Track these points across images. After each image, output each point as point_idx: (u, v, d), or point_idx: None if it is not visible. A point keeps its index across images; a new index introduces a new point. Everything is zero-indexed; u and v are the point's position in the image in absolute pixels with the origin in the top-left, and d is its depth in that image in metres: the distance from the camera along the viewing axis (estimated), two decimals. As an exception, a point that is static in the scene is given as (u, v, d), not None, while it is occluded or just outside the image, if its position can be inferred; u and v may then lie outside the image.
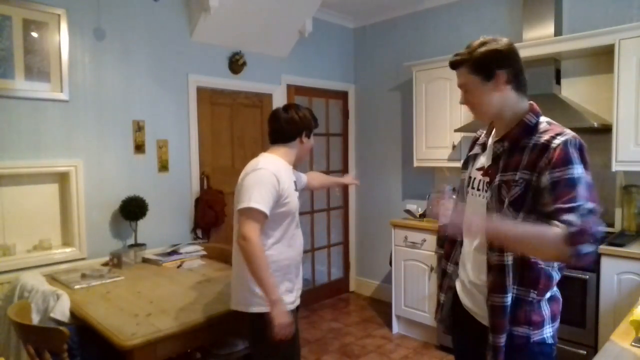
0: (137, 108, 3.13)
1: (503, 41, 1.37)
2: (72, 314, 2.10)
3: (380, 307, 4.31)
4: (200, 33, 3.38)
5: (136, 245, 3.01)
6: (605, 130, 2.80)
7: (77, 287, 2.36)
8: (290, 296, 1.92)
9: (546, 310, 1.35)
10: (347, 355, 3.39)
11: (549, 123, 1.36)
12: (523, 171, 1.31)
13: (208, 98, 3.58)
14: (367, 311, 4.29)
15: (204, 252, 3.04)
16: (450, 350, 3.34)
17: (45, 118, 2.72)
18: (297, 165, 2.11)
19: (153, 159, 3.22)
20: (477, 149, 1.56)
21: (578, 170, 1.23)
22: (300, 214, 2.05)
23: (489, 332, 1.36)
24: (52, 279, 2.51)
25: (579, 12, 3.12)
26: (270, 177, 1.81)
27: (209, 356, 2.30)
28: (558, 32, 3.05)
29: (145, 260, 2.93)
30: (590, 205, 1.18)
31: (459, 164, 3.49)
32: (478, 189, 1.47)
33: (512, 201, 1.32)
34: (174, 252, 2.95)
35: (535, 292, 1.33)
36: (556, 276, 1.35)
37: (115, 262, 2.81)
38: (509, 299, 1.33)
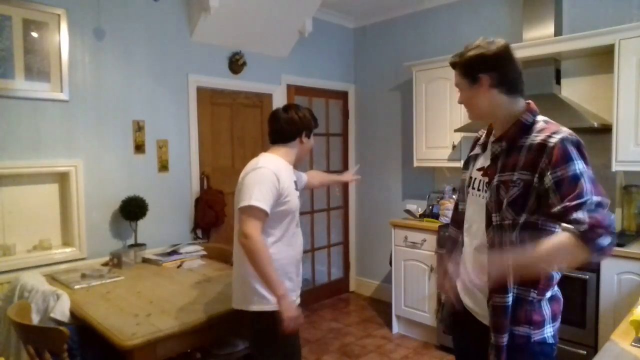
0: (137, 108, 3.13)
1: (495, 45, 1.37)
2: (72, 314, 2.10)
3: (380, 307, 4.31)
4: (200, 33, 3.38)
5: (136, 245, 3.01)
6: (605, 130, 2.80)
7: (77, 287, 2.36)
8: (291, 295, 1.92)
9: (547, 309, 1.35)
10: (347, 355, 3.39)
11: (545, 122, 1.37)
12: (521, 171, 1.31)
13: (208, 98, 3.58)
14: (367, 311, 4.29)
15: (204, 252, 3.04)
16: (450, 350, 3.34)
17: (45, 118, 2.72)
18: (297, 165, 2.11)
19: (153, 159, 3.22)
20: (477, 149, 1.56)
21: (579, 166, 1.23)
22: (300, 214, 2.05)
23: (491, 332, 1.36)
24: (52, 279, 2.51)
25: (579, 12, 3.12)
26: (270, 175, 1.82)
27: (209, 356, 2.30)
28: (558, 32, 3.05)
29: (145, 260, 2.93)
30: (596, 198, 1.18)
31: (459, 164, 3.50)
32: (478, 190, 1.47)
33: (510, 202, 1.32)
34: (174, 252, 2.95)
35: (536, 291, 1.33)
36: (556, 276, 1.35)
37: (115, 262, 2.81)
38: (510, 298, 1.33)
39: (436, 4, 3.95)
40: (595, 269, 2.57)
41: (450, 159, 3.58)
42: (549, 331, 1.35)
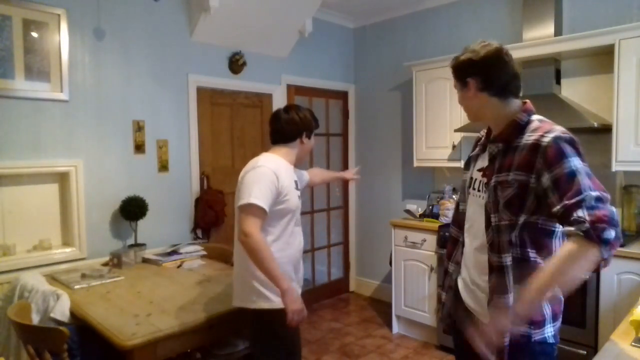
0: (137, 108, 3.13)
1: (485, 49, 1.39)
2: (72, 314, 2.10)
3: (380, 307, 4.31)
4: (200, 33, 3.38)
5: (136, 245, 3.01)
6: (605, 130, 2.80)
7: (77, 287, 2.36)
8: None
9: (547, 309, 1.35)
10: (347, 355, 3.39)
11: (540, 121, 1.37)
12: (516, 172, 1.32)
13: (208, 98, 3.58)
14: (367, 311, 4.29)
15: (204, 252, 3.04)
16: (450, 350, 3.34)
17: (45, 118, 2.72)
18: (298, 165, 2.12)
19: (153, 159, 3.22)
20: (478, 150, 1.56)
21: (574, 162, 1.23)
22: (301, 213, 2.05)
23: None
24: (52, 279, 2.51)
25: (579, 12, 3.12)
26: (269, 174, 1.83)
27: (209, 356, 2.30)
28: (558, 32, 3.05)
29: (145, 260, 2.93)
30: (595, 193, 1.17)
31: (459, 164, 3.50)
32: (478, 190, 1.47)
33: (506, 202, 1.33)
34: (174, 252, 2.95)
35: None
36: None
37: (115, 262, 2.81)
38: (510, 299, 1.33)
39: (436, 4, 3.95)
40: (595, 269, 2.57)
41: (450, 159, 3.58)
42: (549, 331, 1.35)
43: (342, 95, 4.68)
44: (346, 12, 4.39)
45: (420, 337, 3.63)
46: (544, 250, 1.33)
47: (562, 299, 1.42)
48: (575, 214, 1.16)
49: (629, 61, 2.64)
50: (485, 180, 1.43)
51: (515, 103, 1.42)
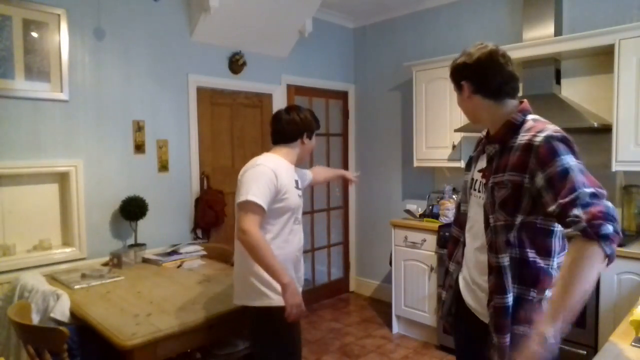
0: (137, 108, 3.13)
1: (479, 52, 1.41)
2: (72, 314, 2.10)
3: (380, 307, 4.31)
4: (200, 33, 3.38)
5: (136, 245, 3.01)
6: (605, 130, 2.80)
7: (77, 287, 2.36)
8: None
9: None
10: (347, 355, 3.39)
11: (534, 120, 1.37)
12: (510, 172, 1.32)
13: (208, 98, 3.58)
14: (367, 311, 4.29)
15: (204, 252, 3.04)
16: (450, 350, 3.34)
17: (45, 118, 2.72)
18: (299, 165, 2.12)
19: (153, 159, 3.22)
20: (479, 150, 1.56)
21: (567, 160, 1.22)
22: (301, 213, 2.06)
23: (492, 332, 1.36)
24: (52, 279, 2.51)
25: (579, 12, 3.12)
26: (268, 172, 1.85)
27: (209, 356, 2.30)
28: (558, 32, 3.05)
29: (145, 260, 2.93)
30: (589, 189, 1.16)
31: (459, 164, 3.50)
32: (479, 191, 1.48)
33: (500, 202, 1.33)
34: (174, 252, 2.95)
35: (535, 290, 1.33)
36: (555, 274, 1.35)
37: (115, 262, 2.81)
38: (510, 299, 1.33)
39: (436, 4, 3.95)
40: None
41: (450, 159, 3.58)
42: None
43: (342, 95, 4.68)
44: (346, 12, 4.39)
45: (420, 337, 3.63)
46: (543, 250, 1.33)
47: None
48: (570, 213, 1.15)
49: (629, 61, 2.64)
50: (484, 181, 1.43)
51: (512, 104, 1.42)
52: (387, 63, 4.40)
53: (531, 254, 1.32)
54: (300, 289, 2.01)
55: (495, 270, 1.36)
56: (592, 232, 1.11)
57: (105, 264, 2.84)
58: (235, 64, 3.64)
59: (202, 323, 1.94)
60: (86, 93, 2.89)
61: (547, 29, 3.04)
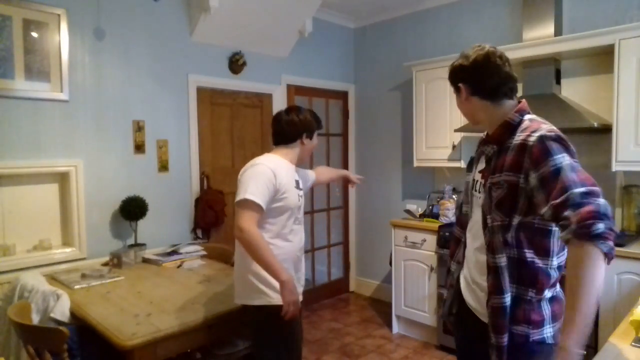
0: (137, 108, 3.13)
1: (475, 54, 1.42)
2: (72, 314, 2.10)
3: (380, 307, 4.31)
4: (200, 33, 3.38)
5: (136, 245, 3.01)
6: (605, 130, 2.80)
7: (77, 287, 2.36)
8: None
9: (547, 310, 1.35)
10: (347, 355, 3.39)
11: (530, 120, 1.37)
12: (506, 173, 1.32)
13: (208, 98, 3.58)
14: (367, 311, 4.29)
15: (204, 252, 3.04)
16: (450, 350, 3.34)
17: (45, 118, 2.72)
18: (300, 164, 2.13)
19: (153, 159, 3.22)
20: (479, 151, 1.56)
21: (559, 159, 1.21)
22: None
23: (491, 332, 1.36)
24: (52, 279, 2.51)
25: (579, 12, 3.12)
26: (266, 171, 1.86)
27: (209, 356, 2.30)
28: (558, 32, 3.06)
29: (145, 260, 2.93)
30: (580, 189, 1.15)
31: (459, 164, 3.50)
32: (479, 192, 1.48)
33: (496, 203, 1.34)
34: (174, 252, 2.95)
35: (534, 290, 1.33)
36: (554, 274, 1.35)
37: (115, 262, 2.81)
38: (507, 299, 1.33)
39: (436, 4, 3.95)
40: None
41: (450, 159, 3.58)
42: (548, 331, 1.35)
43: (342, 95, 4.68)
44: (346, 12, 4.39)
45: (420, 337, 3.63)
46: (542, 250, 1.32)
47: (564, 299, 1.41)
48: (562, 215, 1.15)
49: (629, 61, 2.64)
50: (483, 181, 1.44)
51: (510, 104, 1.43)
52: (387, 63, 4.40)
53: (529, 254, 1.32)
54: (301, 289, 2.01)
55: (492, 271, 1.36)
56: (583, 234, 1.11)
57: (105, 264, 2.84)
58: (235, 64, 3.64)
59: (202, 323, 1.94)
60: (86, 93, 2.89)
61: (547, 29, 3.04)
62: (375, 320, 4.04)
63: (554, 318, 1.37)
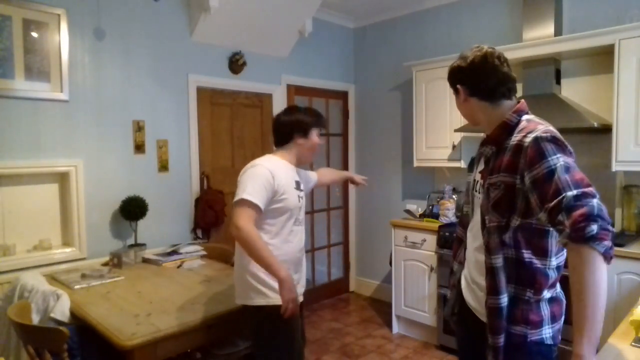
0: (137, 108, 3.13)
1: (473, 55, 1.42)
2: (72, 314, 2.10)
3: (380, 307, 4.31)
4: (200, 33, 3.38)
5: (136, 245, 3.02)
6: (605, 130, 2.80)
7: (77, 287, 2.36)
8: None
9: (545, 310, 1.35)
10: (347, 355, 3.39)
11: (527, 121, 1.37)
12: (502, 173, 1.32)
13: (208, 98, 3.58)
14: (367, 311, 4.29)
15: (204, 252, 3.04)
16: (450, 350, 3.34)
17: (45, 118, 2.72)
18: (302, 165, 2.12)
19: (153, 159, 3.22)
20: (479, 152, 1.57)
21: (553, 160, 1.21)
22: (301, 213, 2.06)
23: (488, 333, 1.36)
24: (52, 279, 2.51)
25: (579, 12, 3.12)
26: (264, 172, 1.86)
27: (209, 356, 2.30)
28: (558, 32, 3.06)
29: (145, 260, 2.93)
30: (573, 192, 1.14)
31: (459, 164, 3.50)
32: (479, 192, 1.48)
33: (493, 204, 1.34)
34: (174, 252, 2.95)
35: (532, 291, 1.33)
36: (553, 275, 1.34)
37: (115, 262, 2.81)
38: (503, 300, 1.33)
39: (436, 4, 3.95)
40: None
41: (450, 159, 3.58)
42: (547, 332, 1.35)
43: (342, 95, 4.68)
44: (346, 12, 4.39)
45: (420, 337, 3.63)
46: (540, 250, 1.32)
47: (564, 300, 1.41)
48: (556, 220, 1.16)
49: (629, 61, 2.64)
50: (482, 182, 1.44)
51: (508, 104, 1.43)
52: (387, 63, 4.40)
53: (527, 255, 1.32)
54: (302, 290, 2.01)
55: (489, 271, 1.36)
56: (578, 237, 1.11)
57: (105, 264, 2.84)
58: (235, 64, 3.64)
59: (201, 323, 1.94)
60: (86, 93, 2.89)
61: (547, 29, 3.04)
62: (375, 320, 4.04)
63: (554, 319, 1.37)
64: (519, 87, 3.01)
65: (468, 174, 1.62)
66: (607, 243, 1.11)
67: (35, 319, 2.11)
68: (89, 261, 2.87)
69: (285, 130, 2.02)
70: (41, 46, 2.69)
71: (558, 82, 3.13)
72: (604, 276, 1.13)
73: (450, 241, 3.24)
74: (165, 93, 3.27)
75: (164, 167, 3.28)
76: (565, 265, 1.31)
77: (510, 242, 1.33)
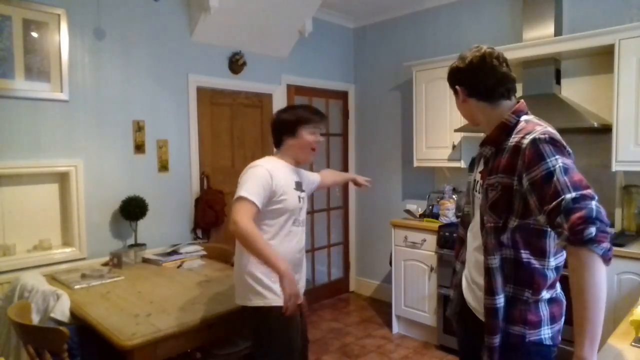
0: (137, 108, 3.13)
1: (471, 55, 1.42)
2: (72, 314, 2.10)
3: (380, 307, 4.31)
4: (200, 33, 3.38)
5: (136, 245, 3.01)
6: (605, 130, 2.80)
7: (77, 287, 2.36)
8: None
9: (544, 311, 1.35)
10: (347, 355, 3.39)
11: (526, 122, 1.37)
12: (500, 174, 1.32)
13: (208, 98, 3.58)
14: (367, 311, 4.29)
15: (204, 252, 3.04)
16: (450, 350, 3.34)
17: (45, 118, 2.72)
18: (303, 164, 2.12)
19: (153, 159, 3.22)
20: (480, 152, 1.56)
21: (552, 162, 1.21)
22: (301, 213, 2.06)
23: (484, 332, 1.36)
24: (52, 279, 2.51)
25: (579, 12, 3.12)
26: (263, 172, 1.87)
27: (209, 356, 2.30)
28: (558, 32, 3.05)
29: (145, 260, 2.93)
30: (572, 194, 1.15)
31: (459, 164, 3.50)
32: (479, 192, 1.48)
33: (490, 204, 1.34)
34: (174, 252, 2.95)
35: (530, 291, 1.33)
36: (551, 275, 1.34)
37: (115, 262, 2.81)
38: (499, 300, 1.33)
39: (436, 4, 3.95)
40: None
41: (450, 159, 3.58)
42: (546, 333, 1.34)
43: (342, 95, 4.68)
44: (346, 12, 4.39)
45: (420, 337, 3.63)
46: (538, 250, 1.32)
47: (564, 301, 1.41)
48: (555, 222, 1.16)
49: (629, 61, 2.64)
50: (482, 182, 1.44)
51: (507, 105, 1.42)
52: (387, 63, 4.40)
53: (525, 255, 1.32)
54: (302, 290, 2.01)
55: (486, 271, 1.36)
56: (576, 240, 1.11)
57: (105, 264, 2.84)
58: (235, 64, 3.64)
59: (201, 323, 1.94)
60: (86, 93, 2.89)
61: (547, 29, 3.04)
62: (375, 320, 4.04)
63: (553, 320, 1.36)
64: (519, 87, 3.01)
65: (469, 174, 1.62)
66: (606, 245, 1.11)
67: (35, 319, 2.11)
68: (89, 261, 2.87)
69: (275, 133, 2.05)
70: (41, 46, 2.69)
71: (558, 82, 3.13)
72: (603, 278, 1.13)
73: (450, 241, 3.24)
74: (165, 93, 3.27)
75: (164, 167, 3.28)
76: (565, 266, 1.31)
77: (508, 242, 1.33)
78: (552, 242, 1.33)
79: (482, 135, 1.60)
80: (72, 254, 2.82)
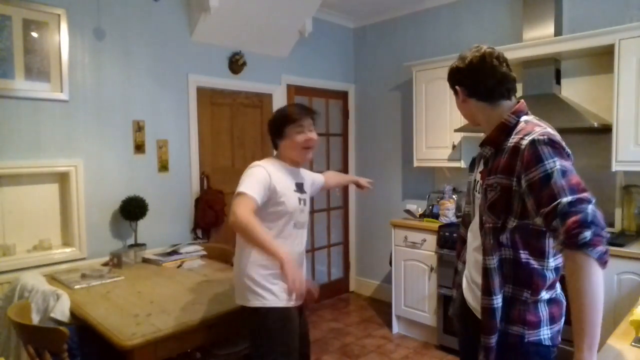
0: (137, 108, 3.13)
1: (471, 55, 1.42)
2: (72, 314, 2.10)
3: (380, 307, 4.31)
4: (200, 33, 3.38)
5: (136, 245, 3.01)
6: (605, 130, 2.80)
7: (77, 287, 2.36)
8: (286, 296, 1.92)
9: (544, 311, 1.34)
10: (347, 355, 3.39)
11: (525, 122, 1.37)
12: (499, 175, 1.32)
13: (208, 98, 3.58)
14: (367, 311, 4.29)
15: (204, 252, 3.04)
16: (450, 350, 3.34)
17: (45, 118, 2.72)
18: (302, 164, 2.11)
19: (153, 159, 3.23)
20: (480, 152, 1.57)
21: (550, 164, 1.21)
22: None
23: (481, 332, 1.37)
24: (52, 279, 2.51)
25: (579, 12, 3.12)
26: (262, 171, 1.88)
27: (209, 356, 2.30)
28: (558, 32, 3.06)
29: (145, 260, 2.93)
30: (568, 197, 1.15)
31: (459, 164, 3.50)
32: (479, 192, 1.48)
33: (489, 205, 1.34)
34: (174, 252, 2.95)
35: (529, 291, 1.33)
36: (551, 276, 1.34)
37: (115, 262, 2.81)
38: (496, 301, 1.33)
39: (436, 4, 3.95)
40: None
41: (450, 159, 3.58)
42: (545, 333, 1.34)
43: (342, 95, 4.68)
44: (346, 12, 4.39)
45: (420, 337, 3.63)
46: (537, 251, 1.32)
47: (564, 302, 1.41)
48: (551, 226, 1.17)
49: (629, 61, 2.64)
50: (482, 182, 1.44)
51: (507, 105, 1.42)
52: (387, 63, 4.40)
53: (524, 255, 1.32)
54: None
55: (484, 272, 1.36)
56: (572, 244, 1.12)
57: (105, 264, 2.84)
58: (235, 64, 3.64)
59: (201, 323, 1.94)
60: (86, 93, 2.89)
61: (547, 29, 3.04)
62: (375, 320, 4.04)
63: (552, 320, 1.36)
64: (519, 87, 3.01)
65: (469, 174, 1.62)
66: (601, 248, 1.12)
67: (35, 319, 2.11)
68: (89, 261, 2.87)
69: (270, 136, 2.06)
70: (41, 46, 2.69)
71: (558, 82, 3.13)
72: (600, 280, 1.13)
73: (450, 241, 3.24)
74: (165, 93, 3.27)
75: (164, 167, 3.28)
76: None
77: (507, 242, 1.33)
78: (550, 242, 1.33)
79: (482, 135, 1.60)
80: (72, 254, 2.82)
